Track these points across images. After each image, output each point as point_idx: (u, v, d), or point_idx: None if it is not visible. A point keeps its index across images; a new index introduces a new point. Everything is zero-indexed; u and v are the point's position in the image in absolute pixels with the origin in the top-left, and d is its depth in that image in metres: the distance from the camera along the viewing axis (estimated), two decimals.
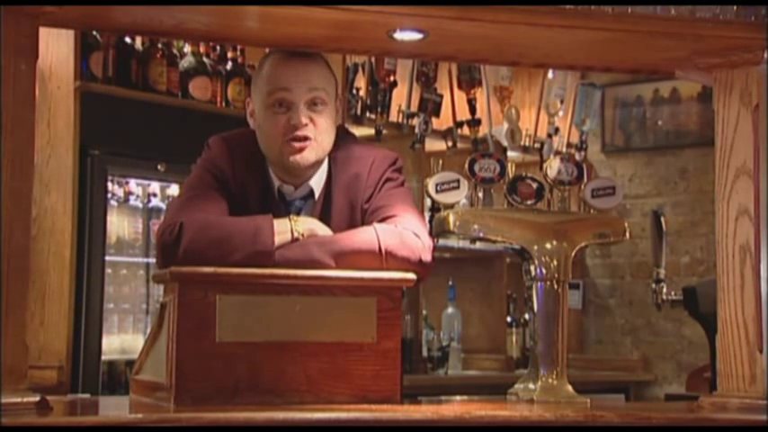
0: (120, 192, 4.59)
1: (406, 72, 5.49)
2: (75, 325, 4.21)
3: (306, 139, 2.59)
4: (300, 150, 2.59)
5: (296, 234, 2.48)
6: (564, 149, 6.33)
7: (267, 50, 2.76)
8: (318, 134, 2.60)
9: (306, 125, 2.58)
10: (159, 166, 4.52)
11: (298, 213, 2.62)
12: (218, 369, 2.28)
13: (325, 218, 2.60)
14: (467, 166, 2.66)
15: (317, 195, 2.66)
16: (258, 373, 2.31)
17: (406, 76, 5.50)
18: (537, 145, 6.20)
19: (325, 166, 2.67)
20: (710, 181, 2.85)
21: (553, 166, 2.71)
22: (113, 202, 4.54)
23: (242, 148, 2.66)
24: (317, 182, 2.66)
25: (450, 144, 5.70)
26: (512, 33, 2.53)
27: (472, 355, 5.90)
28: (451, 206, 2.65)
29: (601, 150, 6.77)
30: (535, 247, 2.64)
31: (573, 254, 2.65)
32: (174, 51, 4.69)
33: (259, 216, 2.52)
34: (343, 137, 2.72)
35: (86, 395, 3.82)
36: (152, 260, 4.53)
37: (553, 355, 2.62)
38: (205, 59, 4.78)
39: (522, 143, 6.13)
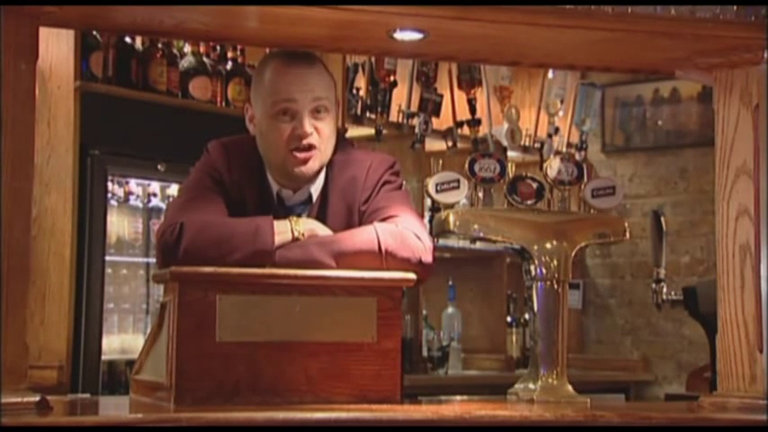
0: (120, 192, 4.59)
1: (406, 72, 5.49)
2: (76, 325, 4.21)
3: (310, 148, 2.59)
4: (305, 162, 2.60)
5: (296, 234, 2.48)
6: (564, 149, 6.33)
7: (267, 51, 2.76)
8: (322, 142, 2.61)
9: (310, 134, 2.59)
10: (159, 166, 4.52)
11: (297, 217, 2.62)
12: (218, 369, 2.28)
13: (321, 221, 2.60)
14: (467, 166, 2.66)
15: (314, 199, 2.66)
16: (258, 373, 2.31)
17: (406, 76, 5.50)
18: (537, 145, 6.20)
19: (323, 170, 2.67)
20: (710, 181, 2.85)
21: (553, 166, 2.71)
22: (113, 202, 4.53)
23: (240, 154, 2.67)
24: (316, 186, 2.66)
25: (450, 144, 5.70)
26: (512, 33, 2.53)
27: (472, 355, 5.90)
28: (451, 206, 2.66)
29: (601, 150, 6.77)
30: (535, 247, 2.64)
31: (573, 254, 2.65)
32: (174, 51, 4.69)
33: (259, 216, 2.53)
34: (340, 141, 2.72)
35: (86, 395, 3.82)
36: (152, 260, 4.53)
37: (553, 355, 2.62)
38: (205, 59, 4.78)
39: (522, 143, 6.13)
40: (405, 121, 5.51)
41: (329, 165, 2.67)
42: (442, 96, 5.62)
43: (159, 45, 4.59)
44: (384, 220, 2.57)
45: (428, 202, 2.92)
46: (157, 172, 4.54)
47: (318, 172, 2.65)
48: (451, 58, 3.83)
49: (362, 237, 2.50)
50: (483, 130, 5.83)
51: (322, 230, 2.54)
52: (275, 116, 2.60)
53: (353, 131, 5.18)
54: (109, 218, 4.42)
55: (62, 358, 4.16)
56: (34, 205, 3.22)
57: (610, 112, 6.73)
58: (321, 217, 2.62)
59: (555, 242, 2.64)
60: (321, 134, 2.61)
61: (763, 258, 2.44)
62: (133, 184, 4.64)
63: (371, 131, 5.31)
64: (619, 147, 6.74)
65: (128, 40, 4.50)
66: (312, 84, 2.60)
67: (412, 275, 2.46)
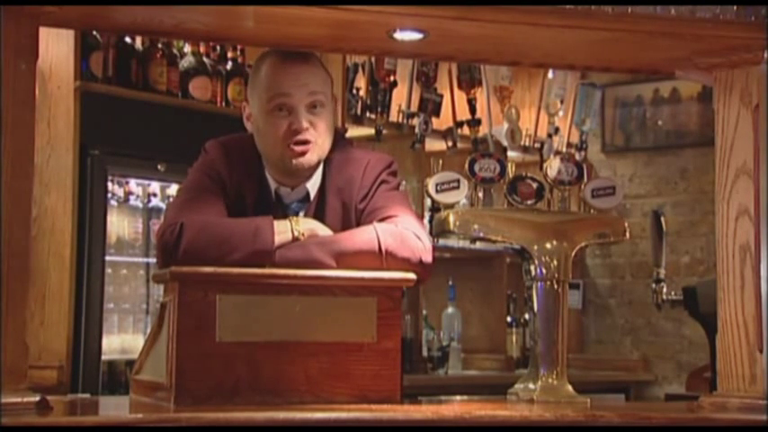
0: (120, 192, 4.59)
1: (406, 72, 5.49)
2: (76, 325, 4.21)
3: (307, 142, 2.59)
4: (302, 153, 2.60)
5: (296, 234, 2.48)
6: (564, 149, 6.33)
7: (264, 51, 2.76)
8: (319, 137, 2.61)
9: (307, 129, 2.59)
10: (159, 166, 4.52)
11: (295, 215, 2.62)
12: (218, 369, 2.28)
13: (319, 219, 2.60)
14: (467, 166, 2.66)
15: (311, 197, 2.66)
16: (258, 373, 2.31)
17: (406, 76, 5.50)
18: (537, 145, 6.20)
19: (320, 168, 2.67)
20: (710, 181, 2.85)
21: (553, 166, 2.71)
22: (113, 202, 4.54)
23: (239, 152, 2.67)
24: (313, 184, 2.66)
25: (450, 144, 5.70)
26: (512, 33, 2.53)
27: (472, 355, 5.90)
28: (451, 206, 2.65)
29: (601, 150, 6.77)
30: (535, 247, 2.64)
31: (573, 254, 2.65)
32: (174, 51, 4.69)
33: (259, 216, 2.53)
34: (339, 140, 2.72)
35: (86, 395, 3.82)
36: (152, 260, 4.53)
37: (553, 355, 2.62)
38: (205, 59, 4.78)
39: (522, 143, 6.13)
40: (405, 121, 5.51)
41: (327, 163, 2.67)
42: (441, 96, 5.62)
43: (159, 45, 4.59)
44: (383, 220, 2.57)
45: (428, 202, 2.92)
46: (157, 172, 4.54)
47: (316, 167, 2.65)
48: (451, 58, 3.83)
49: (362, 237, 2.50)
50: (483, 130, 5.83)
51: (322, 230, 2.54)
52: (271, 111, 2.60)
53: (353, 131, 5.17)
54: (109, 218, 4.42)
55: (62, 358, 4.16)
56: (34, 205, 3.22)
57: (610, 112, 6.73)
58: (318, 215, 2.62)
59: (555, 242, 2.64)
60: (318, 129, 2.61)
61: (763, 258, 2.44)
62: (133, 184, 4.64)
63: (371, 131, 5.31)
64: (619, 147, 6.74)
65: (128, 40, 4.50)
66: (307, 79, 2.60)
67: (412, 275, 2.46)
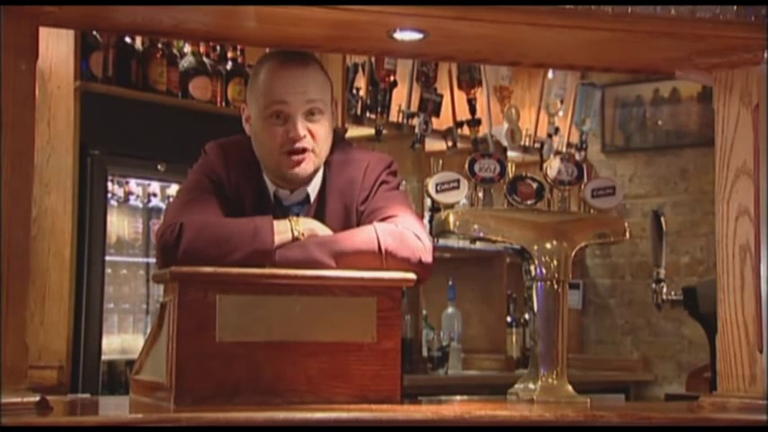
0: (120, 192, 4.59)
1: (406, 72, 5.49)
2: (76, 325, 4.21)
3: (304, 151, 2.59)
4: (299, 163, 2.59)
5: (296, 233, 2.48)
6: (564, 149, 6.33)
7: (267, 51, 2.76)
8: (316, 145, 2.60)
9: (304, 137, 2.58)
10: (159, 166, 4.52)
11: (295, 217, 2.62)
12: (218, 369, 2.28)
13: (319, 221, 2.59)
14: (467, 166, 2.66)
15: (312, 200, 2.66)
16: (258, 373, 2.31)
17: (406, 76, 5.50)
18: (537, 145, 6.20)
19: (320, 171, 2.67)
20: (710, 181, 2.85)
21: (553, 166, 2.71)
22: (113, 202, 4.54)
23: (238, 154, 2.67)
24: (313, 187, 2.66)
25: (450, 144, 5.70)
26: (512, 33, 2.53)
27: (472, 355, 5.90)
28: (451, 206, 2.65)
29: (601, 150, 6.77)
30: (535, 247, 2.64)
31: (573, 254, 2.65)
32: (174, 51, 4.69)
33: (258, 216, 2.53)
34: (338, 141, 2.72)
35: (86, 395, 3.82)
36: (152, 260, 4.53)
37: (553, 355, 2.62)
38: (205, 59, 4.78)
39: (522, 143, 6.13)
40: (405, 121, 5.51)
41: (327, 165, 2.67)
42: (441, 96, 5.62)
43: (159, 45, 4.59)
44: (383, 220, 2.57)
45: (428, 202, 2.92)
46: (157, 172, 4.54)
47: (314, 173, 2.64)
48: (451, 58, 3.83)
49: (362, 236, 2.50)
50: (483, 130, 5.83)
51: (322, 230, 2.54)
52: (268, 118, 2.59)
53: (353, 131, 5.18)
54: (109, 218, 4.43)
55: (62, 358, 4.16)
56: (34, 205, 3.22)
57: (610, 112, 6.73)
58: (319, 217, 2.62)
59: (555, 242, 2.64)
60: (315, 136, 2.60)
61: (763, 258, 2.44)
62: (133, 184, 4.65)
63: (371, 131, 5.31)
64: (619, 147, 6.74)
65: (128, 40, 4.50)
66: (305, 85, 2.59)
67: (412, 275, 2.46)
